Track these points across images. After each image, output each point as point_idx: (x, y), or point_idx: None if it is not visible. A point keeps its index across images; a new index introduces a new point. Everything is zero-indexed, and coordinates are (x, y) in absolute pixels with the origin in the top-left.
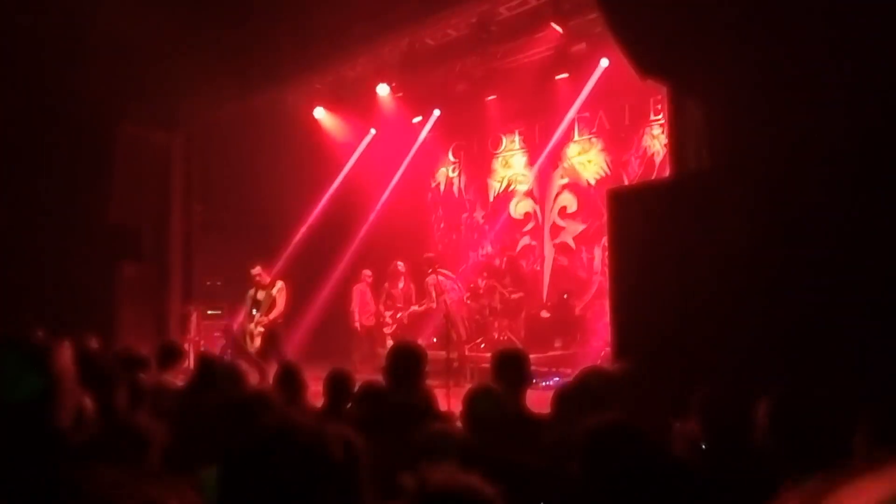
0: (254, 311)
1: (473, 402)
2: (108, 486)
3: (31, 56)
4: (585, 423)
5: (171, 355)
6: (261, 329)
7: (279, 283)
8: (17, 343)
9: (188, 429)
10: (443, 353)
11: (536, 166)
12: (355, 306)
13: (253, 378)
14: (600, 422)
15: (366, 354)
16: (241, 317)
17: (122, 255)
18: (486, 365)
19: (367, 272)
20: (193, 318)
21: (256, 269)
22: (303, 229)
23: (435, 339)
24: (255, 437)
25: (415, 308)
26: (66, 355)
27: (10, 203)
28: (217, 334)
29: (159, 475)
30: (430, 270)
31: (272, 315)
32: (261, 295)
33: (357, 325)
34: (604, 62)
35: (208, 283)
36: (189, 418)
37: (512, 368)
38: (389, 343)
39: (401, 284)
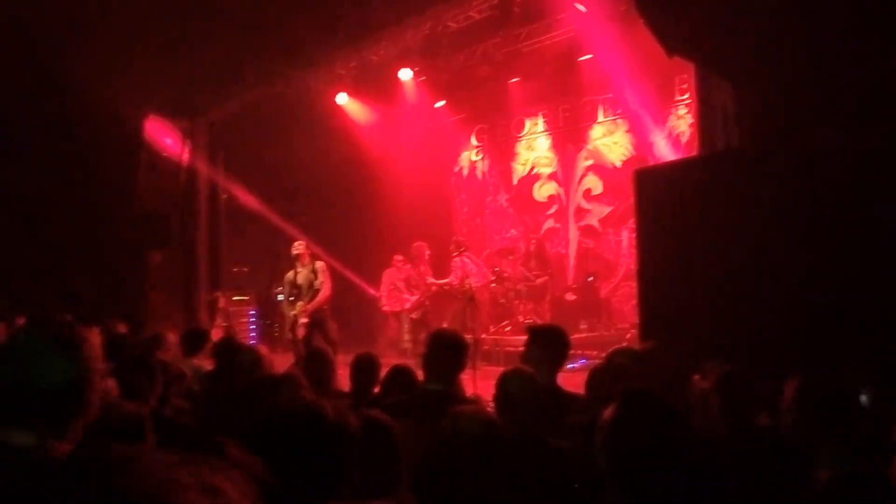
0: (290, 298)
1: (506, 382)
2: (162, 465)
3: (60, 51)
4: (612, 394)
5: (198, 341)
6: (304, 320)
7: (319, 264)
8: (49, 328)
9: (214, 411)
10: (468, 337)
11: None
12: (384, 291)
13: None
14: (626, 391)
15: (392, 339)
16: (280, 303)
17: (150, 244)
18: (512, 348)
19: (399, 257)
20: (221, 304)
21: (299, 244)
22: (326, 214)
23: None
24: (262, 418)
25: (431, 280)
26: (95, 340)
27: (41, 194)
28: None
29: (205, 457)
30: (457, 252)
31: (318, 300)
32: (301, 278)
33: (385, 309)
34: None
35: (235, 269)
36: (215, 401)
37: (550, 343)
38: (406, 328)
39: (422, 267)
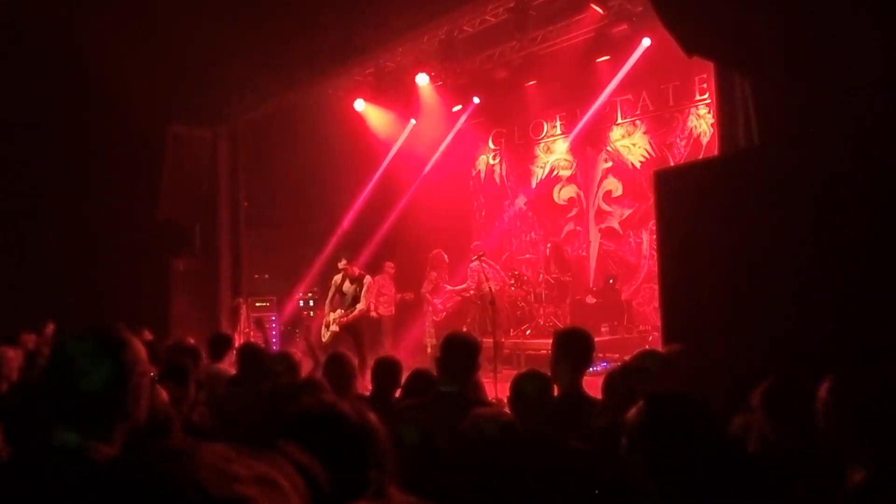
0: (327, 305)
1: (519, 384)
2: (221, 457)
3: (84, 60)
4: (641, 395)
5: (222, 346)
6: (336, 328)
7: (367, 279)
8: (94, 332)
9: (237, 415)
10: (489, 341)
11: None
12: (371, 297)
13: (307, 367)
14: (657, 392)
15: (392, 343)
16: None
17: (173, 251)
18: (532, 352)
19: (391, 264)
20: (243, 310)
21: (342, 263)
22: (347, 220)
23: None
24: (282, 421)
25: (448, 287)
26: (139, 345)
27: (65, 202)
28: (254, 330)
29: (259, 451)
30: (476, 258)
31: (354, 315)
32: (347, 286)
33: (374, 314)
34: (646, 42)
35: (256, 276)
36: (238, 405)
37: (574, 347)
38: (430, 332)
39: (435, 273)
